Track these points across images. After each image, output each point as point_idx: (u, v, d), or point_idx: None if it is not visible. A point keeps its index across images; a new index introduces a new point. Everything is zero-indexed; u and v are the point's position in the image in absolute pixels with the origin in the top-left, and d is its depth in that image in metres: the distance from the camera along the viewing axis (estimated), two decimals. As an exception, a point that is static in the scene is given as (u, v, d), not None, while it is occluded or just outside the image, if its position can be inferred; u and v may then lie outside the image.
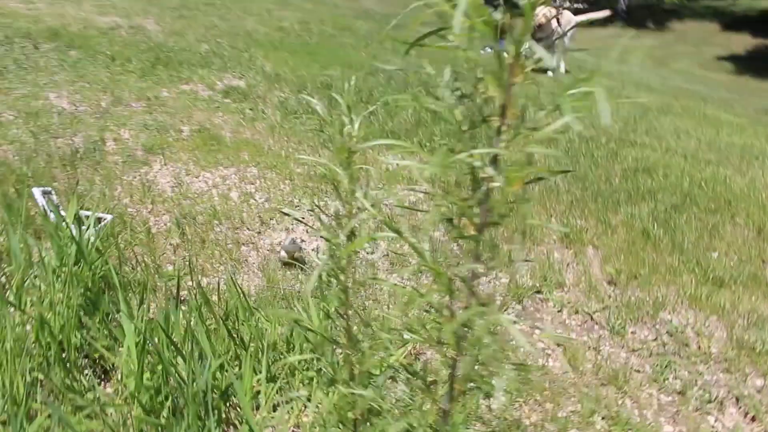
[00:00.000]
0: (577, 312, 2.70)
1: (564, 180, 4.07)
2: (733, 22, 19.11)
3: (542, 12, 7.46)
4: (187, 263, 2.55)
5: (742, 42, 17.16)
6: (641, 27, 19.18)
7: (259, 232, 2.88)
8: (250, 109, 4.67)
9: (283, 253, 2.75)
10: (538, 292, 2.78)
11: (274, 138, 4.08)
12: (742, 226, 3.70)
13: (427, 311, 0.90)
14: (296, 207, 3.15)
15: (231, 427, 1.79)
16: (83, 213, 2.67)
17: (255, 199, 3.17)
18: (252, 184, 3.35)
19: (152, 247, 2.65)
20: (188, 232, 2.79)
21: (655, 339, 2.62)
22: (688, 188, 4.16)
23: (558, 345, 2.50)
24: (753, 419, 2.24)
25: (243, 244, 2.79)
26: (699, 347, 2.59)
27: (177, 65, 5.59)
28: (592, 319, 2.68)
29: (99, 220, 2.68)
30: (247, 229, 2.90)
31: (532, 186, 3.88)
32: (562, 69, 8.35)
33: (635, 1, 20.78)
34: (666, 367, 2.45)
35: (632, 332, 2.63)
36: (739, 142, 5.89)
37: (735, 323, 2.74)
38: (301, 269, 2.65)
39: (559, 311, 2.70)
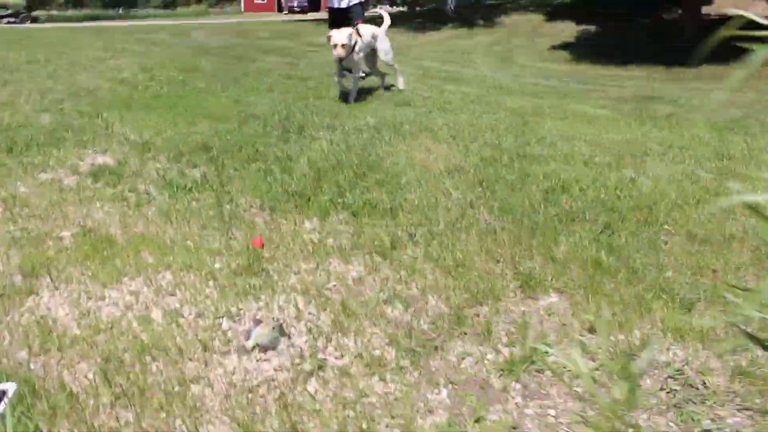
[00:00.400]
0: (577, 377, 2.48)
1: (492, 215, 3.88)
2: (555, 11, 20.33)
3: (340, 42, 6.98)
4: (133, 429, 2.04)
5: (569, 30, 18.27)
6: (472, 25, 19.89)
7: (206, 363, 2.39)
8: (130, 191, 4.07)
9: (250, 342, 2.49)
10: (532, 362, 2.53)
11: (172, 226, 3.54)
12: (674, 234, 3.69)
13: None
14: (237, 318, 2.68)
15: None
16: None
17: (184, 317, 2.66)
18: (172, 295, 2.83)
19: (81, 416, 2.10)
20: (119, 382, 2.26)
21: (662, 388, 2.46)
22: (608, 200, 4.14)
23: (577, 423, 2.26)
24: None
25: (192, 381, 2.29)
26: (705, 385, 2.47)
27: (24, 148, 4.82)
28: (595, 381, 2.47)
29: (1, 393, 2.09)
30: (189, 359, 2.40)
31: (467, 230, 3.65)
32: (401, 85, 8.24)
33: (462, 0, 21.54)
34: (688, 419, 2.29)
35: (638, 385, 2.45)
36: (619, 138, 6.07)
37: (722, 348, 2.66)
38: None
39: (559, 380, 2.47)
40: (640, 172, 4.83)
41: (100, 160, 4.67)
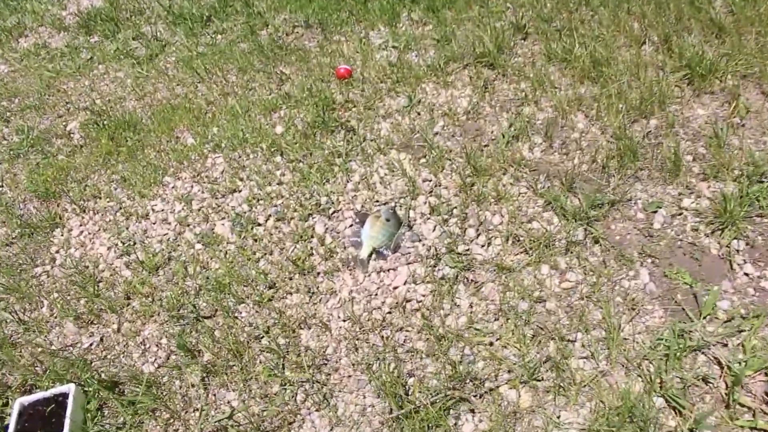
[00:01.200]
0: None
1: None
2: None
3: None
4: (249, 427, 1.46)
5: None
6: None
7: (310, 293, 1.73)
8: (135, 39, 3.17)
9: (363, 251, 1.79)
10: (750, 204, 1.76)
11: (202, 79, 2.71)
12: None
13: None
14: (330, 211, 1.95)
15: None
16: (24, 401, 1.50)
17: (260, 224, 1.96)
18: (234, 191, 2.10)
19: (171, 410, 1.52)
20: (202, 348, 1.64)
21: None
22: None
23: None
24: None
25: (300, 326, 1.66)
26: None
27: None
28: None
29: (58, 401, 1.51)
30: (288, 293, 1.74)
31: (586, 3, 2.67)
32: None
33: None
34: None
35: None
36: None
37: None
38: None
39: (800, 223, 1.73)
40: None
41: (86, 2, 3.69)
